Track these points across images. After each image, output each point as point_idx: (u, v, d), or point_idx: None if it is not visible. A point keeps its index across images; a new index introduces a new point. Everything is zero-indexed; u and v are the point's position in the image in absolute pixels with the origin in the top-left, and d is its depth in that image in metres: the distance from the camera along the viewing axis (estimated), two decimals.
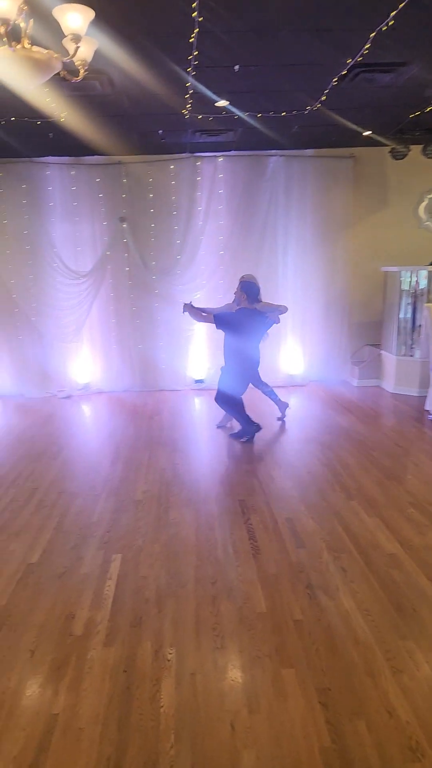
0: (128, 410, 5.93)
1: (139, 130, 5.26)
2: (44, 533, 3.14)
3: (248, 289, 4.61)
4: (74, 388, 6.65)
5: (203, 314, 4.60)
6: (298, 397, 6.33)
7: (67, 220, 6.33)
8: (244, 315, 4.56)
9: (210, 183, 6.33)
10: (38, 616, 2.39)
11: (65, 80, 2.65)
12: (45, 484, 3.90)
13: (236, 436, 4.79)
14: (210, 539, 3.05)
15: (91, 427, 5.60)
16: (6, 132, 5.00)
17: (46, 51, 2.40)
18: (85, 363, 6.70)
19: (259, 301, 4.74)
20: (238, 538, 3.06)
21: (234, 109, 4.75)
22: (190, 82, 4.00)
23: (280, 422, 5.22)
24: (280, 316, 4.75)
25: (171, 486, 3.82)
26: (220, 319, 4.50)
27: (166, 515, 3.36)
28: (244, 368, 4.72)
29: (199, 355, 6.79)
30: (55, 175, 6.21)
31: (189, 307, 4.59)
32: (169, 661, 2.09)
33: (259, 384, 5.10)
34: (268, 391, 5.15)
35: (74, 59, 2.49)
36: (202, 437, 4.96)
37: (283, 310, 4.71)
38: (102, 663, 2.09)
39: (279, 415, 5.30)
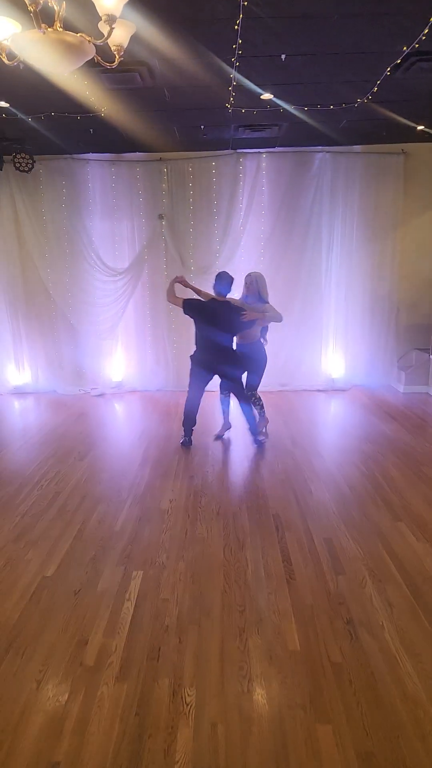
0: (160, 410, 5.76)
1: (181, 124, 5.08)
2: (63, 542, 2.97)
3: (217, 280, 4.37)
4: (107, 386, 6.55)
5: (176, 295, 4.43)
6: (339, 402, 5.99)
7: (106, 217, 6.24)
8: (212, 306, 4.33)
9: (252, 180, 6.10)
10: (48, 638, 2.21)
11: (103, 70, 2.48)
12: (69, 487, 3.75)
13: (258, 442, 4.53)
14: (239, 559, 2.80)
15: (121, 427, 5.46)
16: (47, 127, 4.93)
17: (78, 34, 2.23)
18: (119, 361, 6.60)
19: (264, 301, 4.42)
20: (270, 559, 2.79)
21: (280, 102, 4.50)
22: (234, 73, 3.79)
23: (217, 440, 4.76)
24: (271, 324, 4.46)
25: (200, 495, 3.59)
26: (188, 305, 4.34)
27: (193, 528, 3.13)
28: (223, 359, 4.41)
29: None
30: (96, 172, 6.13)
31: (174, 280, 4.43)
32: (187, 705, 1.85)
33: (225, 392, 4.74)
34: (227, 403, 4.77)
35: (109, 43, 2.31)
36: (236, 442, 4.71)
37: (272, 317, 4.34)
38: (113, 702, 1.87)
39: (217, 431, 4.83)
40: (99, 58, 2.39)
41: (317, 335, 6.41)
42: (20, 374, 6.56)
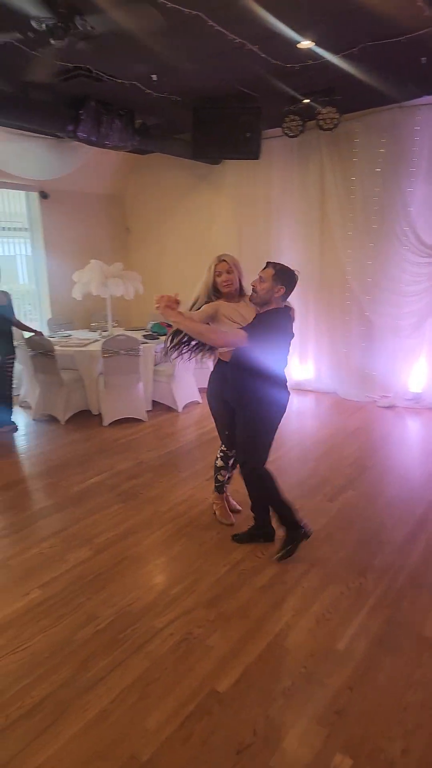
0: None
1: None
2: (258, 639, 2.10)
3: None
4: (401, 396, 5.24)
5: None
6: None
7: (431, 179, 4.80)
8: None
9: None
10: None
11: None
12: (304, 544, 2.81)
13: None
14: None
15: (406, 457, 4.14)
16: (363, 69, 3.85)
17: None
18: (422, 367, 5.17)
19: None
20: None
21: None
22: None
23: None
24: None
25: None
26: None
27: None
28: None
29: None
30: (428, 120, 4.72)
31: None
32: None
33: None
34: None
35: None
36: None
37: None
38: None
39: None
40: None
41: None
42: (303, 368, 5.91)
